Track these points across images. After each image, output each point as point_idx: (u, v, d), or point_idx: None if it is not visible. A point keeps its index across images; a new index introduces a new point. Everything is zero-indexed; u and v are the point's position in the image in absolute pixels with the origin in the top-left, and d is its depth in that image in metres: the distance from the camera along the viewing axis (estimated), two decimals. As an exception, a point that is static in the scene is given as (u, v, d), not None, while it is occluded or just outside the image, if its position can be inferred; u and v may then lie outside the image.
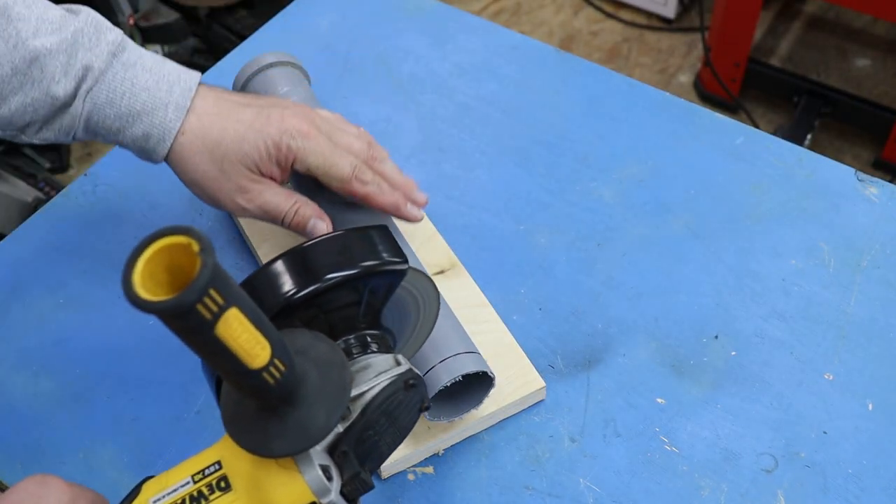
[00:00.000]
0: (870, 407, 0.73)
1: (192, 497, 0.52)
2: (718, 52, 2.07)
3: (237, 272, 0.83)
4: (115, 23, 1.77)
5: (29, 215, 0.89)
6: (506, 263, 0.83)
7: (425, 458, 0.71)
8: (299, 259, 0.57)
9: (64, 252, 0.85)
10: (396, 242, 0.60)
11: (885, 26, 2.29)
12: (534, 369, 0.74)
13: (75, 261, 0.84)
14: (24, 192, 1.75)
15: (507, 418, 0.73)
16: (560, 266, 0.82)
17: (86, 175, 0.91)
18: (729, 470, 0.70)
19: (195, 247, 0.41)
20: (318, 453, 0.53)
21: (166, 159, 0.69)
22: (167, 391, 0.75)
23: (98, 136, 0.69)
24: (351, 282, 0.57)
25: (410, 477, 0.70)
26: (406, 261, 0.59)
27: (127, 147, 0.69)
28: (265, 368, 0.46)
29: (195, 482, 0.53)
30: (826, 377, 0.75)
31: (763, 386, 0.74)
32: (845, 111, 2.03)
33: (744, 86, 2.12)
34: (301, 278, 0.56)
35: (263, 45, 1.03)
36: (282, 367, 0.48)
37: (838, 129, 2.10)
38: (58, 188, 1.79)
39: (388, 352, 0.59)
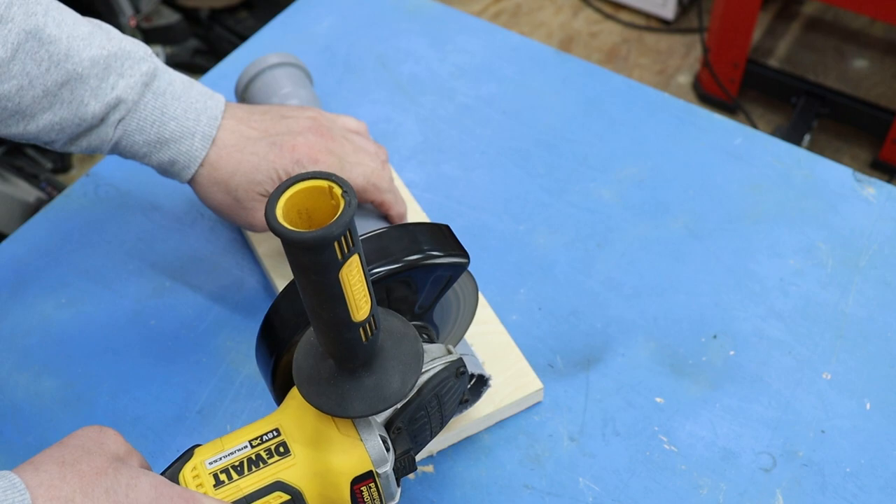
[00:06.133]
0: (867, 406, 0.73)
1: (250, 460, 0.54)
2: (717, 53, 2.08)
3: (238, 272, 0.83)
4: (117, 24, 1.77)
5: (31, 215, 0.89)
6: (505, 264, 0.83)
7: (425, 458, 0.71)
8: (376, 242, 0.59)
9: (66, 252, 0.85)
10: (458, 240, 0.62)
11: (883, 27, 2.29)
12: (532, 371, 0.74)
13: (77, 261, 0.84)
14: (26, 192, 1.75)
15: (507, 418, 0.73)
16: (559, 266, 0.83)
17: (87, 175, 0.91)
18: (727, 469, 0.70)
19: (338, 189, 0.44)
20: (378, 425, 0.55)
21: (189, 182, 0.71)
22: (169, 391, 0.76)
23: (124, 156, 0.71)
24: (419, 269, 0.58)
25: (411, 476, 0.71)
26: (467, 256, 0.61)
27: (151, 167, 0.71)
28: (362, 324, 0.49)
29: (253, 447, 0.54)
30: (824, 376, 0.75)
31: (761, 385, 0.75)
32: (843, 112, 2.04)
33: (742, 86, 2.12)
34: (382, 257, 0.57)
35: (264, 46, 1.03)
36: (374, 326, 0.50)
37: (836, 129, 2.10)
38: (60, 188, 1.79)
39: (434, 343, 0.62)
